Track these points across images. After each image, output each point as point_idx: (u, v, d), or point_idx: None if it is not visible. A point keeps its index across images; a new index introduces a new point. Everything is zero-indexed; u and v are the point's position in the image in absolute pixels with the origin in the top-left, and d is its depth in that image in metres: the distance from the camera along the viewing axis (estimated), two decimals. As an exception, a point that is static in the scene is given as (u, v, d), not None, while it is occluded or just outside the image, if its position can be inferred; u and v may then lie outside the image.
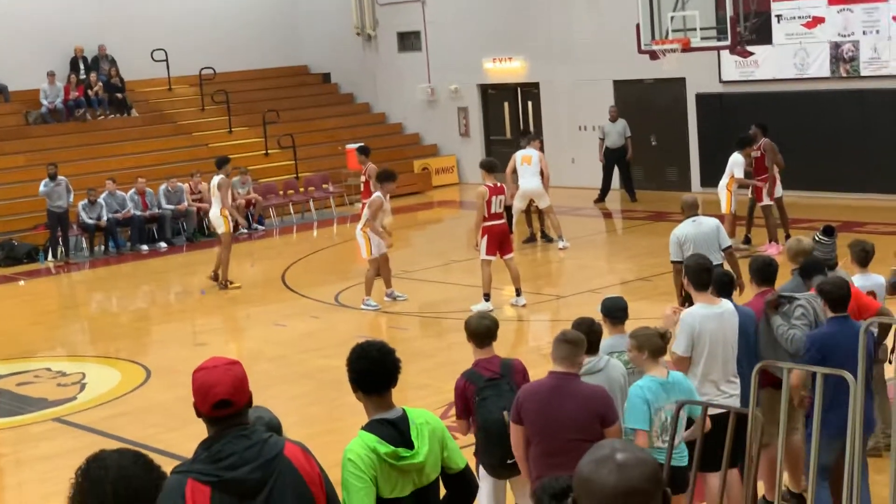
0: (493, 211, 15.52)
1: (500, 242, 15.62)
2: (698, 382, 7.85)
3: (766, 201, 18.08)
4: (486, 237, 15.50)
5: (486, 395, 7.29)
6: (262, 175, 26.50)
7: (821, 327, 8.08)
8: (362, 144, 19.60)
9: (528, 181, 19.23)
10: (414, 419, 5.29)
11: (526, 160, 19.31)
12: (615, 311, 8.22)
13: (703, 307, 8.04)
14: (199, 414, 4.48)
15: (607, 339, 8.05)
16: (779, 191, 18.25)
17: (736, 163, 17.65)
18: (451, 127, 29.11)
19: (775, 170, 18.12)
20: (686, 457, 7.27)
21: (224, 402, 4.39)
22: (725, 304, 8.17)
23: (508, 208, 16.88)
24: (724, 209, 17.44)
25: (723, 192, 17.70)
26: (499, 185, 15.87)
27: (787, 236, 18.16)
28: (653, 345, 7.27)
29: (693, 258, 8.52)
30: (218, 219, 18.40)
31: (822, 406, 6.69)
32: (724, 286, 8.51)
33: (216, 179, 18.44)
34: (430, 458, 5.27)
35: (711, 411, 7.08)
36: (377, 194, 16.16)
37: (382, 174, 16.43)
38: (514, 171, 19.34)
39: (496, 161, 16.78)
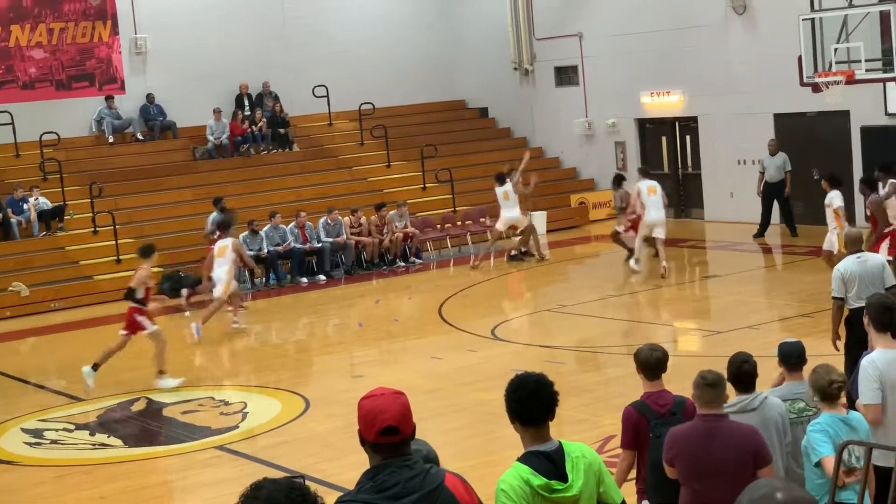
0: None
1: None
2: (884, 432, 7.39)
3: None
4: None
5: (660, 432, 7.17)
6: (420, 209, 26.74)
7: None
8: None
9: (656, 212, 19.93)
10: (570, 452, 5.25)
11: (651, 191, 20.11)
12: (791, 357, 7.87)
13: (884, 352, 7.53)
14: (363, 442, 4.54)
15: (785, 385, 7.85)
16: None
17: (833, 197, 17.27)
18: (609, 161, 28.96)
19: None
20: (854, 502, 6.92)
21: (391, 428, 4.45)
22: None
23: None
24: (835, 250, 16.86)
25: (834, 233, 17.22)
26: None
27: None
28: (819, 387, 7.03)
29: (877, 297, 7.98)
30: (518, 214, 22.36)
31: None
32: None
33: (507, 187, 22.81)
34: (585, 493, 5.22)
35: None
36: None
37: None
38: (640, 200, 20.10)
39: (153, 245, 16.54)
